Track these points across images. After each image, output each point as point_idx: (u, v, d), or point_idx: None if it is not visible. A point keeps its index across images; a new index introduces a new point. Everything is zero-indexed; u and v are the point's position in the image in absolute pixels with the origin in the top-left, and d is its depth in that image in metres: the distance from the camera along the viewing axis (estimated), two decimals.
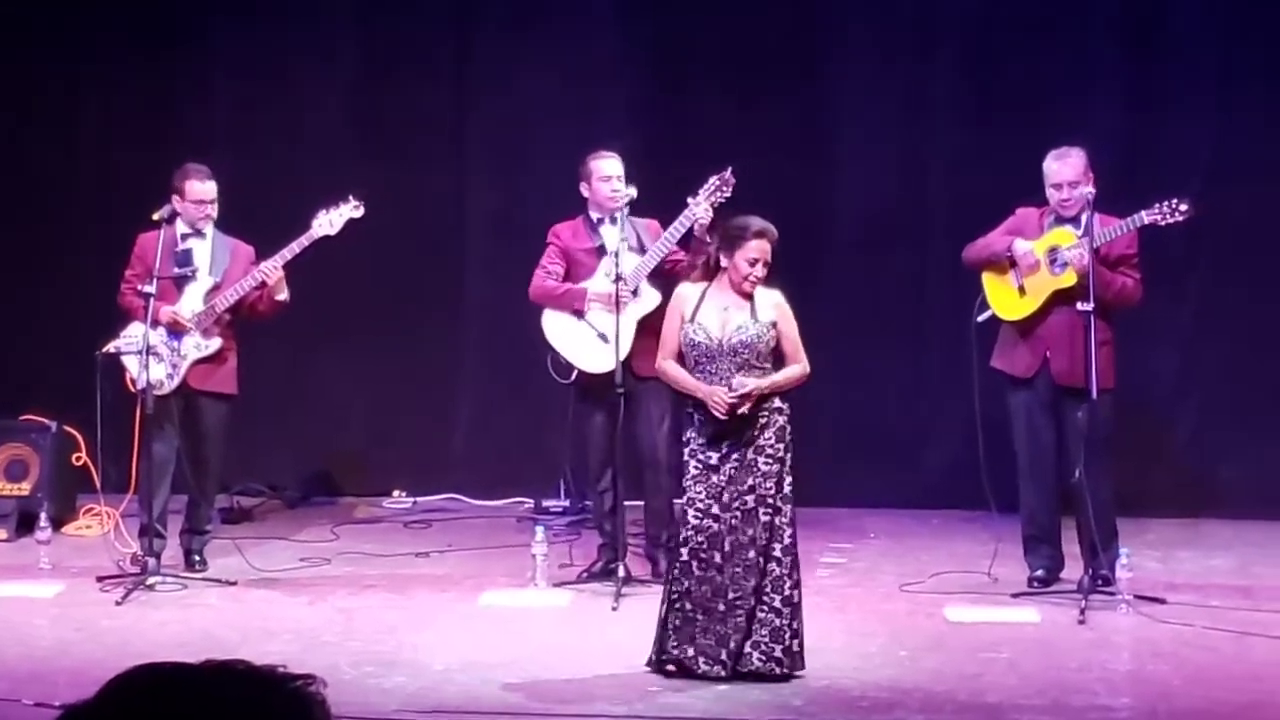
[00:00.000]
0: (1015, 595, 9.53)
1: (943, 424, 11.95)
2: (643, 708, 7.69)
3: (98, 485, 10.67)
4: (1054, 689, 7.94)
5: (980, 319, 9.73)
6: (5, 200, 12.44)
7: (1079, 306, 9.23)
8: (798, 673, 7.99)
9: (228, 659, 1.76)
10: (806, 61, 12.27)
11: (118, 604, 9.36)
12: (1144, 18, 12.00)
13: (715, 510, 7.98)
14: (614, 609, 9.21)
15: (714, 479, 8.00)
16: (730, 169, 9.58)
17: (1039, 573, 9.69)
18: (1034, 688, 7.95)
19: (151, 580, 9.66)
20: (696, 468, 8.06)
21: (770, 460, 8.00)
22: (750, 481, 7.98)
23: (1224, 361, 11.85)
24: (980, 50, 12.08)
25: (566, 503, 11.90)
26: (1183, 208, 9.29)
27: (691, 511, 8.03)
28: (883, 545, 11.03)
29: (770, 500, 7.97)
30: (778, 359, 8.16)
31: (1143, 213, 9.35)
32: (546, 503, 11.96)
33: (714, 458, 8.02)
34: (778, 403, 8.09)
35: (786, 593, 7.96)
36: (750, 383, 7.99)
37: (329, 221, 10.02)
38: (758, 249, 8.09)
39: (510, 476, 12.22)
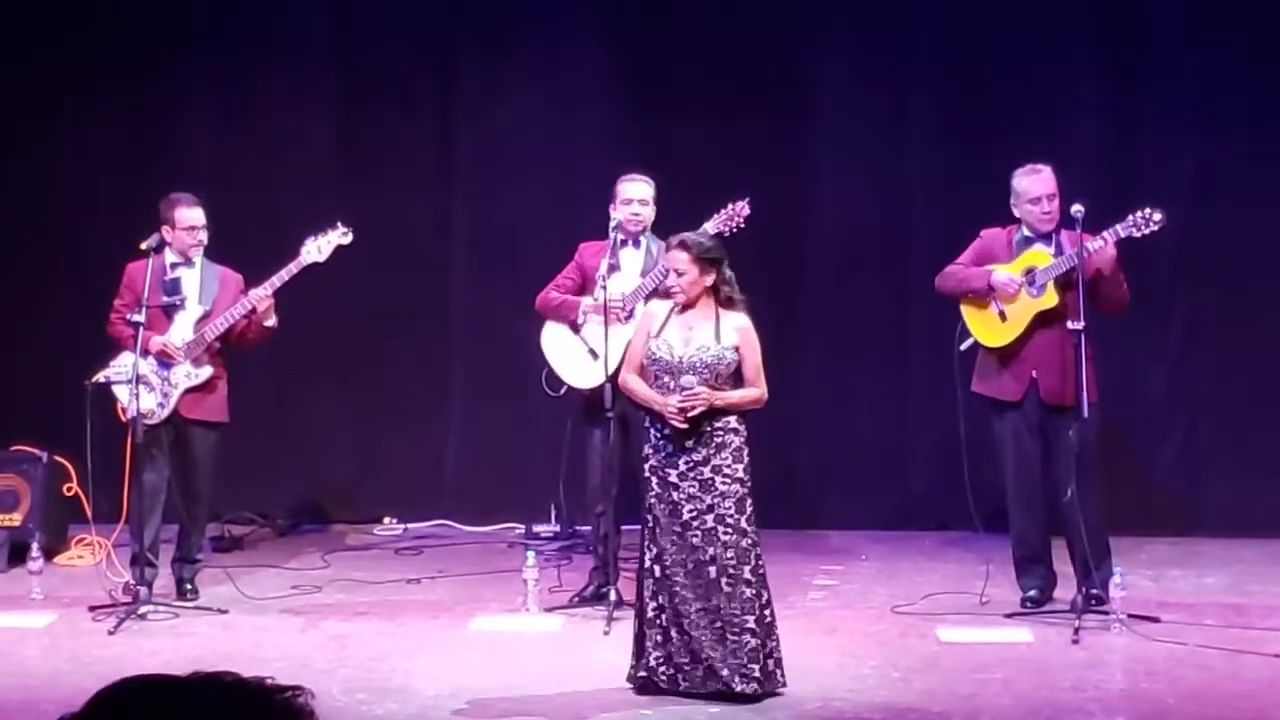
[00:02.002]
0: (1008, 615, 9.52)
1: (929, 445, 11.96)
2: None
3: (89, 515, 10.63)
4: (1048, 708, 7.93)
5: (963, 348, 9.70)
6: None
7: (1069, 325, 9.24)
8: (778, 690, 8.02)
9: (216, 670, 1.76)
10: (787, 85, 12.28)
11: (110, 633, 9.35)
12: (1124, 39, 12.02)
13: (676, 528, 8.04)
14: (606, 633, 9.20)
15: (674, 496, 8.06)
16: (747, 199, 9.61)
17: (1032, 593, 9.67)
18: (1028, 707, 7.95)
19: (143, 609, 9.64)
20: (658, 485, 8.11)
21: (728, 480, 8.04)
22: (709, 500, 8.03)
23: (1212, 380, 11.87)
24: (960, 73, 12.09)
25: (557, 527, 11.89)
26: (1156, 217, 9.28)
27: (658, 531, 8.08)
28: (874, 567, 11.02)
29: (731, 520, 8.00)
30: (739, 383, 8.19)
31: (1118, 226, 9.34)
32: (537, 528, 11.95)
33: (672, 475, 8.07)
34: (734, 423, 8.12)
35: (759, 613, 8.00)
36: (701, 388, 8.03)
37: (317, 248, 10.02)
38: (671, 259, 8.28)
39: (501, 502, 12.20)
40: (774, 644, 8.05)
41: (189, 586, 10.13)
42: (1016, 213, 9.58)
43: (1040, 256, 9.46)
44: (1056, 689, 8.25)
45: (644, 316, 8.50)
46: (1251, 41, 11.81)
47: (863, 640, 9.19)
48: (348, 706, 7.86)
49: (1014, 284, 9.47)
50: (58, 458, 11.20)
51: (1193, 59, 11.85)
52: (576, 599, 9.86)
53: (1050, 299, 9.39)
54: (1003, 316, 9.55)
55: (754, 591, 8.00)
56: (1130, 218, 9.31)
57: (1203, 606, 9.78)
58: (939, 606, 9.79)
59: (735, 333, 8.17)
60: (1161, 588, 10.31)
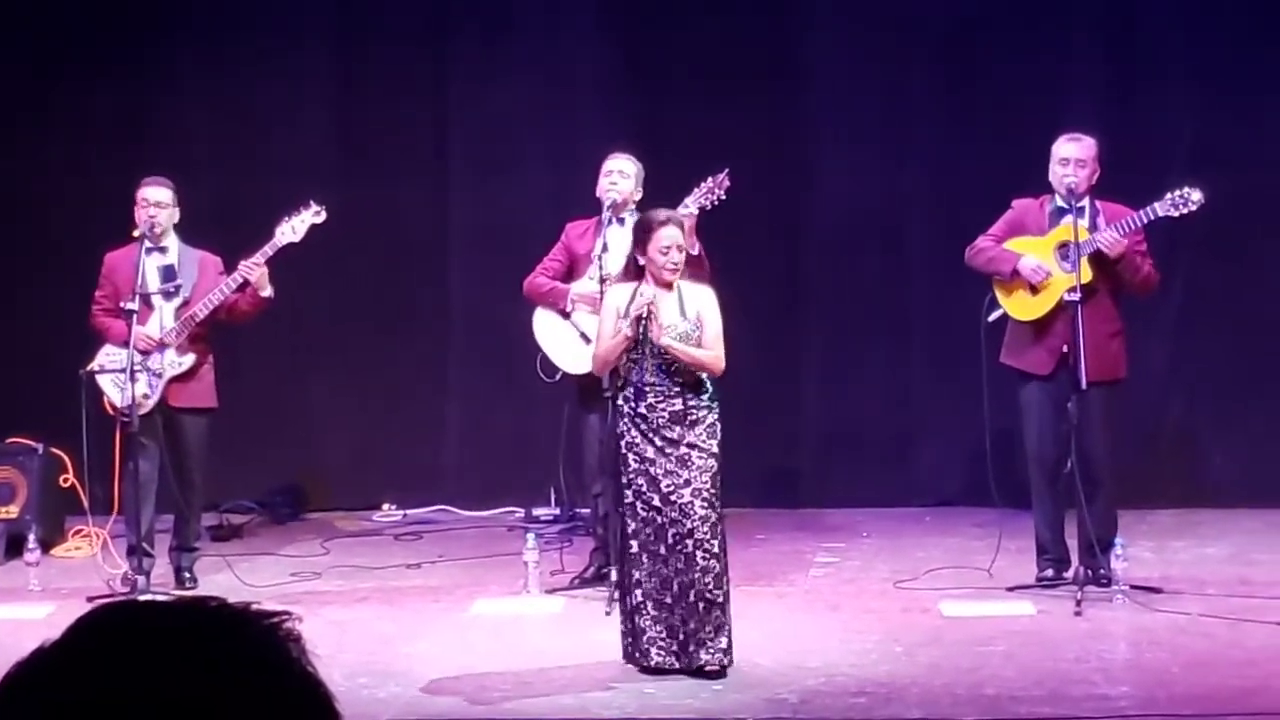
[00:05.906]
0: (1011, 589, 9.48)
1: (930, 422, 11.96)
2: (636, 709, 7.66)
3: (86, 506, 10.60)
4: (1052, 679, 7.91)
5: (990, 319, 9.61)
6: None
7: (1064, 296, 9.18)
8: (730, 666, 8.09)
9: (202, 595, 1.75)
10: (785, 64, 12.25)
11: None
12: (1122, 11, 12.01)
13: (656, 503, 8.09)
14: (607, 613, 9.12)
15: (652, 471, 8.11)
16: (726, 171, 9.57)
17: (1048, 572, 9.57)
18: (1032, 679, 7.92)
19: (142, 599, 9.58)
20: (635, 461, 8.15)
21: (704, 455, 8.10)
22: (686, 475, 8.08)
23: (1212, 350, 11.84)
24: (958, 50, 12.07)
25: (557, 511, 11.86)
26: (1195, 197, 9.22)
27: (639, 505, 8.12)
28: (876, 544, 10.99)
29: (706, 495, 8.08)
30: None
31: (1155, 205, 9.28)
32: (537, 511, 11.91)
33: (650, 451, 8.12)
34: (707, 400, 8.19)
35: (725, 588, 8.08)
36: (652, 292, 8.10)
37: (291, 229, 9.94)
38: (668, 237, 8.21)
39: (500, 486, 12.17)
40: (730, 621, 8.11)
41: (187, 575, 10.10)
42: (1050, 177, 9.50)
43: (1073, 231, 9.32)
44: (1060, 660, 8.23)
45: (607, 301, 8.53)
46: (1249, 8, 11.76)
47: (865, 616, 9.17)
48: (350, 691, 7.81)
49: (1041, 272, 9.36)
50: (53, 449, 11.15)
51: (1187, 29, 11.82)
52: (577, 580, 9.84)
53: (1084, 275, 9.26)
54: (1033, 290, 9.44)
55: (721, 566, 8.08)
56: (1168, 196, 9.25)
57: (1205, 576, 9.76)
58: (941, 581, 9.76)
59: (698, 304, 8.23)
60: (1163, 558, 10.28)
